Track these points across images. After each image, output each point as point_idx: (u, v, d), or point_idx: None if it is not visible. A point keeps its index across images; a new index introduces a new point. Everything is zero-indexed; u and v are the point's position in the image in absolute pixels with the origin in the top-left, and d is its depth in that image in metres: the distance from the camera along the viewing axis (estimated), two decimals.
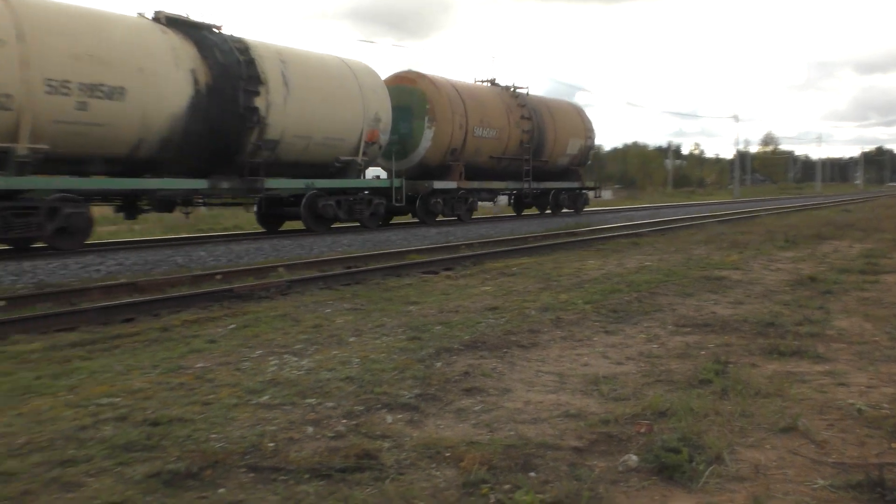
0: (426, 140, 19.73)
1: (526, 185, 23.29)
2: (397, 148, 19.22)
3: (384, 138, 17.97)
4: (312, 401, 4.17)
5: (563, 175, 25.64)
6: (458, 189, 20.48)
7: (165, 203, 14.25)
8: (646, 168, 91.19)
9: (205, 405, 4.10)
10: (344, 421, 3.84)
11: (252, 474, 3.15)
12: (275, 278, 9.33)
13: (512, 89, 23.32)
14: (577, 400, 4.22)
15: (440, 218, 20.61)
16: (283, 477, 3.11)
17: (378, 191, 18.17)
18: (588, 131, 26.30)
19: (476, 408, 4.09)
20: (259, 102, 14.58)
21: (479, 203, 22.71)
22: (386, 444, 3.48)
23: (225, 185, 14.47)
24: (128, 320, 7.05)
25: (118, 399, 4.24)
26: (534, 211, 26.39)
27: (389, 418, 3.89)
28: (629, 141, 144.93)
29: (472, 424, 3.82)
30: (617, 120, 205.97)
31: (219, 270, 9.98)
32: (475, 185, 21.23)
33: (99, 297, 8.04)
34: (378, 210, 17.90)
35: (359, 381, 4.56)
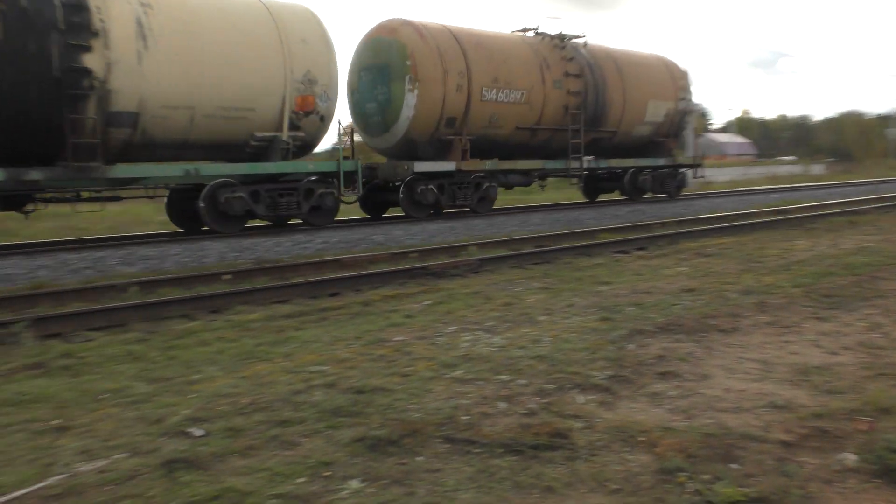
0: (408, 108, 14.70)
1: (576, 165, 17.45)
2: (377, 120, 15.36)
3: (325, 106, 13.41)
4: (504, 377, 4.25)
5: (643, 150, 19.90)
6: (464, 172, 15.38)
7: None
8: (864, 139, 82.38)
9: (403, 377, 4.31)
10: (535, 398, 3.87)
11: (447, 445, 3.27)
12: (466, 256, 9.56)
13: (558, 38, 17.53)
14: (785, 390, 3.94)
15: (443, 210, 15.41)
16: (476, 450, 3.20)
17: (328, 176, 13.62)
18: (680, 91, 20.19)
19: (671, 392, 3.95)
20: (92, 62, 10.64)
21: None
22: (577, 425, 3.46)
23: (36, 175, 10.47)
24: (333, 294, 7.56)
25: (326, 367, 4.57)
26: (617, 196, 20.44)
27: (581, 398, 3.87)
28: (844, 109, 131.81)
29: (667, 409, 3.70)
30: (829, 87, 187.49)
31: (414, 248, 10.40)
32: (488, 165, 15.82)
33: (308, 273, 8.69)
34: (325, 203, 13.44)
35: (550, 359, 4.57)
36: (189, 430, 3.51)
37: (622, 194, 19.81)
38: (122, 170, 11.50)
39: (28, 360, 5.01)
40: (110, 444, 3.37)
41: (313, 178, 13.42)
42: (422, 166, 14.72)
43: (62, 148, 10.57)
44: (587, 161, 17.66)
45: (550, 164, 17.34)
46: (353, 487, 2.86)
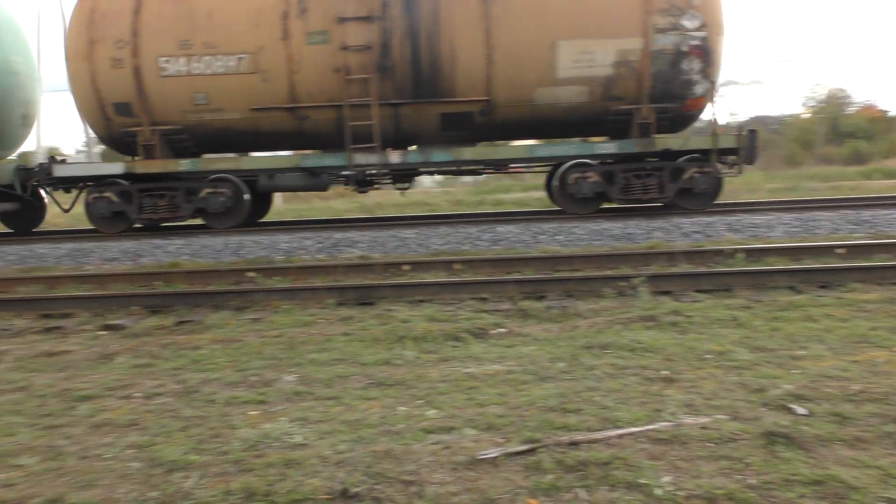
0: (71, 94, 11.44)
1: (370, 160, 11.15)
2: None
3: None
4: None
5: (588, 126, 11.54)
6: (155, 176, 11.43)
7: None
8: None
9: None
10: None
11: None
12: None
13: None
14: None
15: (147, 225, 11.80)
16: None
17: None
18: (664, 12, 10.68)
19: None
20: None
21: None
22: None
23: None
24: None
25: None
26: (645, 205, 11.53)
27: None
28: None
29: None
30: None
31: None
32: (183, 165, 11.25)
33: None
34: None
35: None
36: (791, 405, 3.41)
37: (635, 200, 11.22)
38: None
39: (642, 313, 5.56)
40: (712, 403, 3.51)
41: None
42: (65, 169, 11.49)
43: None
44: (397, 156, 11.22)
45: (311, 161, 11.39)
46: None
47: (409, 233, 10.05)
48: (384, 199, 21.88)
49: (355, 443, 3.21)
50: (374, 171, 11.55)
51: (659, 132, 11.21)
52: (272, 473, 2.92)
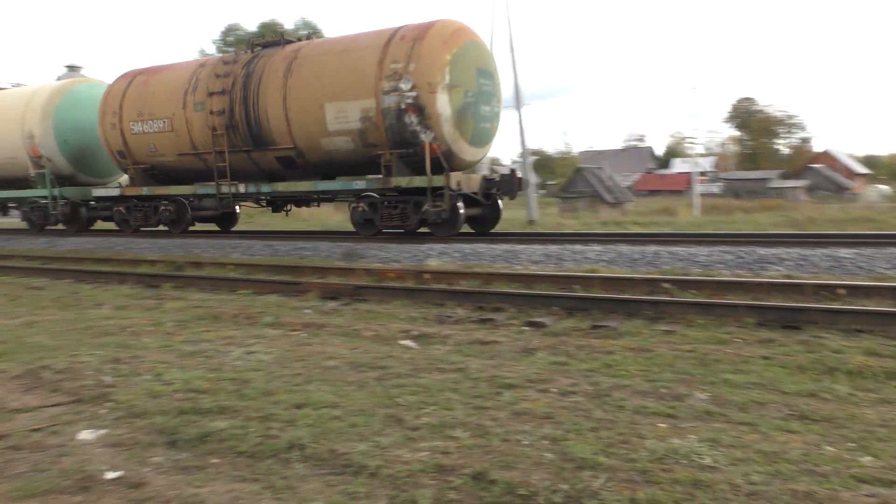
0: None
1: (226, 190, 15.41)
2: None
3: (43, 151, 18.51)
4: None
5: (365, 168, 14.16)
6: (137, 197, 17.01)
7: None
8: None
9: None
10: None
11: None
12: None
13: (239, 52, 15.79)
14: None
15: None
16: None
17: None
18: (388, 79, 12.91)
19: None
20: None
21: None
22: None
23: None
24: None
25: None
26: None
27: None
28: None
29: None
30: None
31: None
32: (145, 190, 16.66)
33: None
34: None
35: None
36: None
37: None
38: None
39: None
40: None
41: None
42: (97, 192, 17.90)
43: None
44: (243, 187, 15.28)
45: (201, 190, 15.94)
46: None
47: (846, 252, 8.93)
48: (817, 213, 19.86)
49: (771, 476, 2.97)
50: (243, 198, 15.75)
51: (423, 172, 12.78)
52: (678, 491, 2.85)
